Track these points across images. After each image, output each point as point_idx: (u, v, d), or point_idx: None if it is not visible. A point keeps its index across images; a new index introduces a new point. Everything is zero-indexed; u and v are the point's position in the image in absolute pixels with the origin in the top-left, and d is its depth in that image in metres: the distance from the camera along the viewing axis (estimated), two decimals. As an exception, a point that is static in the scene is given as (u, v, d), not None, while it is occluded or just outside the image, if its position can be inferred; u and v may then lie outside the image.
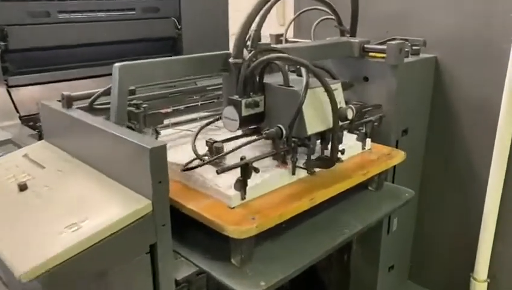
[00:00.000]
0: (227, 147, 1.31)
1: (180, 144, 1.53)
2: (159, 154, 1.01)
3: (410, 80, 1.82)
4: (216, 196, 1.24)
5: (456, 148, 2.00)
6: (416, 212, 2.17)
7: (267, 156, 1.25)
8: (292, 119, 1.26)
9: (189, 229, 1.33)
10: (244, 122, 1.32)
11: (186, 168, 1.25)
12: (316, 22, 2.06)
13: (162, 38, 2.44)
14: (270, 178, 1.29)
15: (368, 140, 1.63)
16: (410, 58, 1.87)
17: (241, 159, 1.19)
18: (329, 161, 1.36)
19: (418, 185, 2.10)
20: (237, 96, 1.31)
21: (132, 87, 1.46)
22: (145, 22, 2.36)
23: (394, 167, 1.85)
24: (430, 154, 2.06)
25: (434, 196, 2.11)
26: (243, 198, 1.22)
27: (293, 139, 1.29)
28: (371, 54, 1.81)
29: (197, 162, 1.28)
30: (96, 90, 1.33)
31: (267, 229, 1.16)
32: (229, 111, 1.32)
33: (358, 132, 1.59)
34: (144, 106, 1.42)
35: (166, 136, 1.61)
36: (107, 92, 1.27)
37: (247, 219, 1.15)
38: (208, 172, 1.27)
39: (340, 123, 1.37)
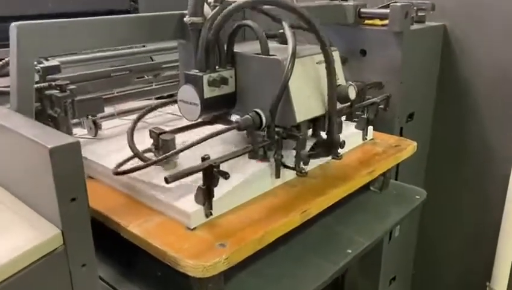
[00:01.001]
0: (184, 139, 0.95)
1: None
2: (66, 157, 0.64)
3: (417, 52, 1.48)
4: (169, 213, 0.87)
5: (468, 137, 1.67)
6: (419, 214, 1.84)
7: (239, 155, 0.88)
8: (274, 101, 0.89)
9: (139, 256, 0.97)
10: (207, 106, 0.95)
11: (118, 171, 0.87)
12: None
13: (113, 11, 2.04)
14: (246, 184, 0.92)
15: (370, 128, 1.28)
16: (415, 26, 1.52)
17: (203, 159, 0.82)
18: (331, 144, 1.00)
19: (421, 182, 1.76)
20: (197, 71, 0.94)
21: (55, 62, 1.07)
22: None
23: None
24: (436, 144, 1.73)
25: (441, 195, 1.78)
26: (208, 215, 0.85)
27: (276, 129, 0.93)
28: (368, 21, 1.46)
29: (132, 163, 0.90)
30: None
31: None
32: (187, 92, 0.95)
33: (357, 118, 1.24)
34: (71, 87, 1.03)
35: (110, 130, 1.23)
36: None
37: (213, 247, 0.79)
38: (157, 177, 0.90)
39: (340, 106, 1.01)
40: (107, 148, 1.11)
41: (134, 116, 1.31)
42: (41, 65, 1.04)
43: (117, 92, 1.25)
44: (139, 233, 0.82)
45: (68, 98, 1.02)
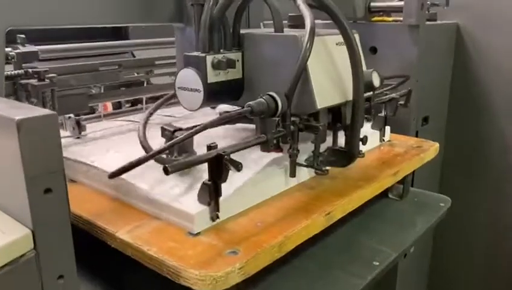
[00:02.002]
0: (199, 140, 0.80)
1: (122, 142, 1.00)
2: (40, 134, 0.49)
3: (432, 49, 1.37)
4: (167, 217, 0.72)
5: (485, 141, 1.55)
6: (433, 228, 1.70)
7: (252, 145, 0.74)
8: (291, 84, 0.76)
9: (131, 271, 0.81)
10: (211, 93, 0.81)
11: (114, 173, 0.72)
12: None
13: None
14: (257, 181, 0.78)
15: (387, 128, 1.15)
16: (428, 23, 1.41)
17: (210, 147, 0.67)
18: (347, 155, 0.87)
19: (436, 190, 1.63)
20: (199, 52, 0.81)
21: (33, 48, 0.93)
22: None
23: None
24: (451, 150, 1.61)
25: (456, 204, 1.64)
26: (214, 218, 0.70)
27: (293, 118, 0.79)
28: (377, 18, 1.35)
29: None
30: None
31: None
32: (187, 76, 0.81)
33: (374, 117, 1.11)
34: (51, 75, 0.89)
35: (94, 132, 1.08)
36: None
37: (223, 254, 0.64)
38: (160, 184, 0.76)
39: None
40: (92, 148, 0.96)
41: (122, 119, 1.18)
42: (17, 51, 0.90)
43: (104, 89, 1.10)
44: (130, 240, 0.67)
45: (47, 88, 0.88)
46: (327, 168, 0.85)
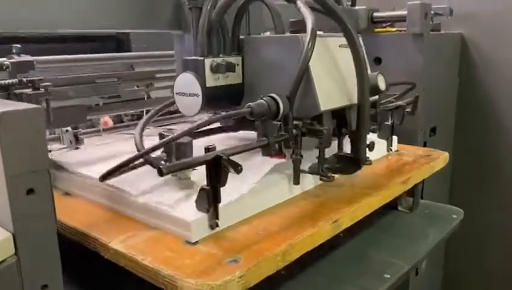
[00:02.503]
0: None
1: (119, 153, 0.96)
2: (22, 129, 0.46)
3: (437, 58, 1.34)
4: (165, 225, 0.68)
5: (495, 150, 1.50)
6: (444, 243, 1.64)
7: (251, 148, 0.70)
8: (293, 85, 0.73)
9: (125, 283, 0.77)
10: (210, 98, 0.78)
11: (104, 174, 0.69)
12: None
13: (102, 36, 1.92)
14: (259, 189, 0.74)
15: (395, 138, 1.12)
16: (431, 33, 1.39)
17: (208, 149, 0.64)
18: (353, 161, 0.83)
19: (446, 202, 1.57)
20: (198, 56, 0.78)
21: (28, 58, 0.91)
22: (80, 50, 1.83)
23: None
24: (459, 160, 1.56)
25: (468, 217, 1.58)
26: (213, 226, 0.66)
27: (296, 122, 0.76)
28: (380, 29, 1.33)
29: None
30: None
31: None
32: (185, 81, 0.78)
33: (380, 126, 1.07)
34: (46, 84, 0.86)
35: (92, 146, 1.05)
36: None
37: (222, 263, 0.59)
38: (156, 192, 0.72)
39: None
40: (87, 160, 0.92)
41: (122, 132, 1.15)
42: (12, 60, 0.88)
43: (103, 102, 1.08)
44: (123, 250, 0.63)
45: (41, 97, 0.85)
46: (333, 175, 0.80)
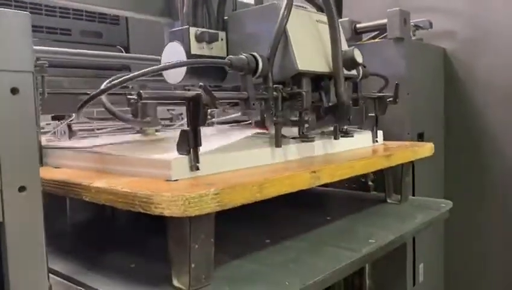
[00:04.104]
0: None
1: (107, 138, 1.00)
2: (6, 27, 0.50)
3: (420, 64, 1.40)
4: (146, 170, 0.69)
5: (487, 155, 1.52)
6: (443, 251, 1.60)
7: (231, 99, 0.74)
8: (272, 46, 0.77)
9: (108, 250, 0.78)
10: (194, 67, 0.82)
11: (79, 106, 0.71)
12: None
13: (106, 67, 2.00)
14: (243, 146, 0.76)
15: (380, 132, 1.14)
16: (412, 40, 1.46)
17: (187, 90, 0.67)
18: (343, 109, 0.85)
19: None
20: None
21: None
22: (83, 48, 1.93)
23: (413, 180, 1.35)
24: (450, 168, 1.56)
25: (465, 228, 1.57)
26: (193, 168, 0.68)
27: (275, 86, 0.80)
28: (365, 38, 1.40)
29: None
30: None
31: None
32: (171, 50, 0.83)
33: (365, 117, 1.10)
34: (42, 62, 0.91)
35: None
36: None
37: (199, 185, 0.61)
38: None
39: (346, 73, 0.90)
40: (77, 141, 0.96)
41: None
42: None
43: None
44: (105, 185, 0.64)
45: (38, 74, 0.89)
46: (313, 136, 0.83)
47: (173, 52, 0.83)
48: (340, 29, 0.91)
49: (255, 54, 0.76)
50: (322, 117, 0.85)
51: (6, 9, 0.50)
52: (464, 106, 1.53)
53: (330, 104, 0.87)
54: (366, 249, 0.78)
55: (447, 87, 1.54)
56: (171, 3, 0.96)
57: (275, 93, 0.79)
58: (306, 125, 0.82)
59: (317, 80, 0.86)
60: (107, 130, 1.18)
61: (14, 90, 0.51)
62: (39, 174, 0.52)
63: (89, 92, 1.09)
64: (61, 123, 1.09)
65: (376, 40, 1.38)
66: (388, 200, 1.12)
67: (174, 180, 0.65)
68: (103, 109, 0.76)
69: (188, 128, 0.66)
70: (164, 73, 0.84)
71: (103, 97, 0.80)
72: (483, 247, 1.54)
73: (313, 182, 0.73)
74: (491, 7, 1.49)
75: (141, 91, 0.61)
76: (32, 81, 0.52)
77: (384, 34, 1.39)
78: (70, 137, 1.07)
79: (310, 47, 0.84)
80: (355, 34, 1.39)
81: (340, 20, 1.37)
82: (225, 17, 0.90)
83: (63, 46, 1.83)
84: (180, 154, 0.67)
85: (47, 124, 1.09)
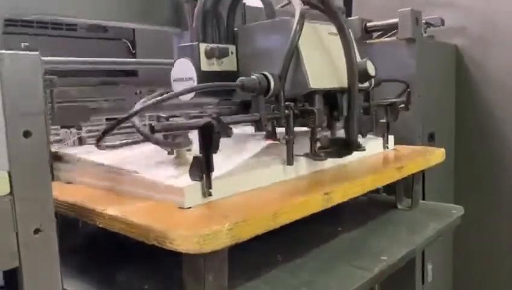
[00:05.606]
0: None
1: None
2: (19, 70, 0.49)
3: (431, 64, 1.37)
4: (159, 195, 0.69)
5: (497, 153, 1.50)
6: (452, 253, 1.61)
7: (242, 121, 0.73)
8: (284, 63, 0.76)
9: (121, 270, 0.78)
10: (205, 82, 0.81)
11: (98, 138, 0.71)
12: None
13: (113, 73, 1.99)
14: (252, 164, 0.76)
15: (391, 137, 1.13)
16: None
17: (191, 118, 0.66)
18: (345, 145, 0.85)
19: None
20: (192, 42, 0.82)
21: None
22: (89, 43, 1.91)
23: (423, 183, 1.34)
24: (460, 166, 1.55)
25: (474, 229, 1.57)
26: (206, 194, 0.67)
27: (288, 103, 0.79)
28: (375, 37, 1.38)
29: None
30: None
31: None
32: (181, 66, 0.82)
33: (376, 123, 1.09)
34: (51, 77, 0.91)
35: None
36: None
37: (213, 218, 0.60)
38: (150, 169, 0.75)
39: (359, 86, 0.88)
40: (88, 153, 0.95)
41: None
42: (19, 56, 0.92)
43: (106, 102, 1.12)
44: (119, 214, 0.64)
45: (46, 88, 0.89)
46: (322, 155, 0.82)
47: (183, 68, 0.82)
48: (354, 42, 0.89)
49: (266, 73, 0.74)
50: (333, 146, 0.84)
51: (17, 52, 0.49)
52: (476, 103, 1.51)
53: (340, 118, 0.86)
54: (378, 267, 0.78)
55: (458, 85, 1.52)
56: (180, 12, 0.94)
57: (286, 111, 0.78)
58: (318, 144, 0.81)
59: (329, 94, 0.85)
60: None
61: (26, 134, 0.50)
62: (54, 217, 0.52)
63: (93, 100, 1.09)
64: (70, 132, 1.08)
65: (386, 39, 1.36)
66: (399, 206, 1.12)
67: (188, 208, 0.65)
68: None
69: (200, 155, 0.66)
70: (174, 89, 0.84)
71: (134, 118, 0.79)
72: (492, 247, 1.54)
73: (326, 204, 0.73)
74: (503, 2, 1.45)
75: (153, 124, 0.60)
76: (45, 122, 0.52)
77: (393, 32, 1.36)
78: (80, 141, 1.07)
79: (322, 62, 0.82)
80: (366, 33, 1.36)
81: (350, 18, 1.35)
82: (235, 28, 0.88)
83: (68, 42, 1.84)
84: (193, 180, 0.67)
85: (56, 133, 1.09)
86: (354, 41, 0.84)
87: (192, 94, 0.82)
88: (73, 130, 1.07)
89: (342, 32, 0.81)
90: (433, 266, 1.44)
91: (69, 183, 0.88)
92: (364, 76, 0.87)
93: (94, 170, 0.81)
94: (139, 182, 0.72)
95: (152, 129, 0.60)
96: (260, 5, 0.95)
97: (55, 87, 0.90)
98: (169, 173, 0.72)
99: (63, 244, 0.54)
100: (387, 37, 1.41)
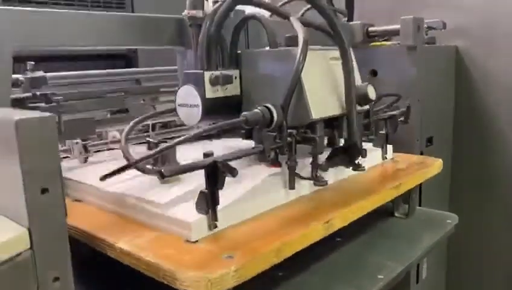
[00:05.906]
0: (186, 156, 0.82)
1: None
2: (37, 134, 0.52)
3: (431, 70, 1.39)
4: (166, 227, 0.73)
5: (494, 159, 1.54)
6: (446, 251, 1.66)
7: (246, 154, 0.76)
8: (286, 95, 0.78)
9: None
10: (209, 108, 0.84)
11: (105, 175, 0.74)
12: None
13: (111, 55, 1.99)
14: (256, 193, 0.79)
15: (390, 147, 1.16)
16: (426, 46, 1.44)
17: (206, 155, 0.69)
18: (348, 151, 0.87)
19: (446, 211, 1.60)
20: (198, 70, 0.84)
21: (41, 73, 0.98)
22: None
23: (420, 187, 1.38)
24: (458, 172, 1.59)
25: (467, 226, 1.61)
26: (211, 227, 0.71)
27: (289, 131, 0.81)
28: (375, 43, 1.38)
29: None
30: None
31: (253, 281, 0.65)
32: (186, 93, 0.84)
33: (375, 134, 1.12)
34: (58, 98, 0.93)
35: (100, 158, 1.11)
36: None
37: (219, 258, 0.64)
38: (153, 194, 0.77)
39: (359, 108, 0.90)
40: (96, 170, 0.98)
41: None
42: (26, 76, 0.94)
43: (111, 115, 1.14)
44: (129, 248, 0.68)
45: (55, 111, 0.91)
46: (326, 179, 0.85)
47: (188, 95, 0.84)
48: (354, 61, 0.91)
49: (269, 106, 0.77)
50: (331, 159, 0.87)
51: (34, 113, 0.52)
52: (475, 105, 1.53)
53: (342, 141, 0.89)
54: (375, 288, 0.83)
55: (457, 87, 1.54)
56: (183, 31, 0.95)
57: (288, 138, 0.81)
58: (320, 163, 0.84)
59: (330, 120, 0.87)
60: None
61: (44, 191, 0.53)
62: (71, 266, 0.56)
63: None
64: (76, 143, 1.11)
65: (388, 43, 1.37)
66: (396, 214, 1.16)
67: (194, 242, 0.69)
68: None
69: (206, 191, 0.69)
70: (181, 116, 0.86)
71: (123, 144, 0.82)
72: (486, 245, 1.59)
73: (326, 232, 0.77)
74: (504, 3, 1.45)
75: (162, 169, 0.63)
76: (60, 179, 0.54)
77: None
78: (87, 157, 1.09)
79: (324, 90, 0.84)
80: (367, 38, 1.36)
81: (351, 23, 1.35)
82: (238, 52, 0.90)
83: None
84: (199, 213, 0.70)
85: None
86: (355, 68, 0.86)
87: (198, 119, 0.84)
88: (79, 142, 1.10)
89: (344, 57, 0.83)
90: (427, 263, 1.50)
91: (77, 200, 0.91)
92: (365, 100, 0.89)
93: (102, 194, 0.84)
94: (148, 213, 0.75)
95: (162, 175, 0.63)
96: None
97: (61, 108, 0.92)
98: (176, 199, 0.75)
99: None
100: (389, 39, 1.42)
